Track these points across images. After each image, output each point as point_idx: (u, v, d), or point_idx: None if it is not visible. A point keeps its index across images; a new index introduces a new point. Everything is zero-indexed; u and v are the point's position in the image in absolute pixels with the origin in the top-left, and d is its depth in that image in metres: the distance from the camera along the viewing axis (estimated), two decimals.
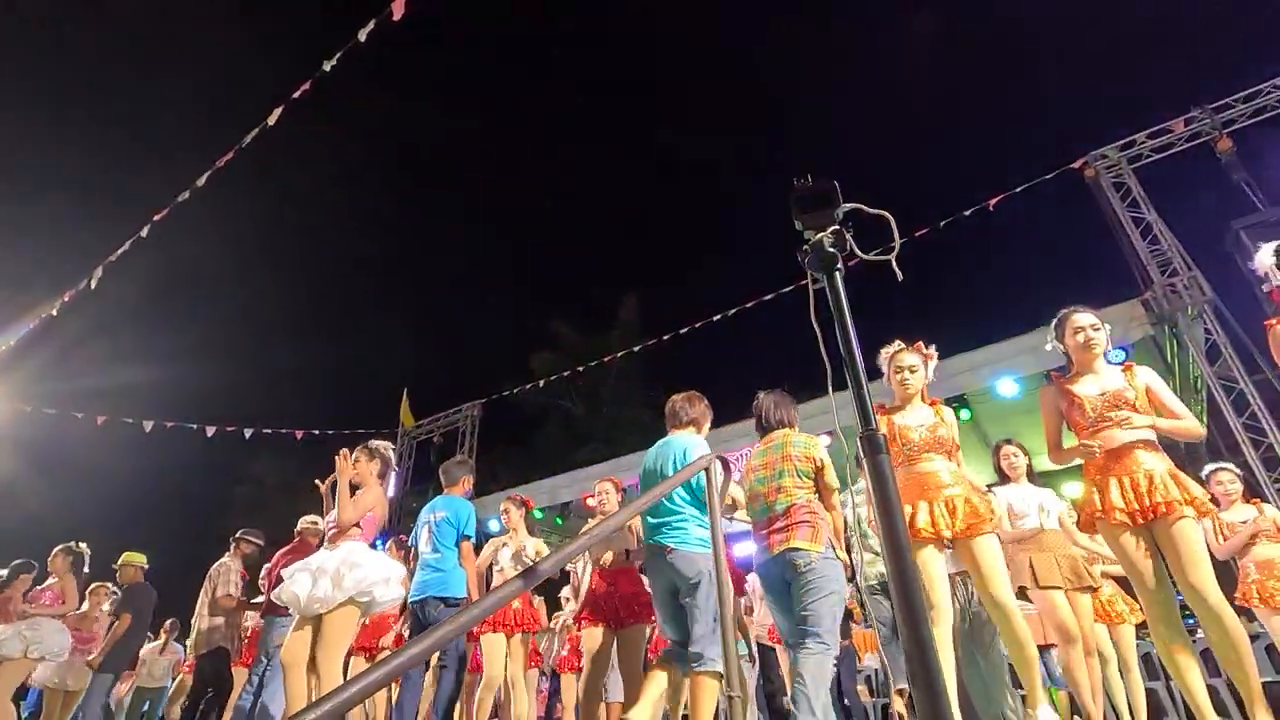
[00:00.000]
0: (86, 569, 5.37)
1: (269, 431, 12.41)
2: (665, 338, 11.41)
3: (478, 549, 4.40)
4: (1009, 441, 4.24)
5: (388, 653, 5.13)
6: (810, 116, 35.43)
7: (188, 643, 6.88)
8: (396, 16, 5.11)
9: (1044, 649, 4.98)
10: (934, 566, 2.85)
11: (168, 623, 7.37)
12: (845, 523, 3.39)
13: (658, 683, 2.99)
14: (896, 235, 1.20)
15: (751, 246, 35.27)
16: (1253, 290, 6.95)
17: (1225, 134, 7.91)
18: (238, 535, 5.39)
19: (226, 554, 5.25)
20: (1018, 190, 8.69)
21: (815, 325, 1.22)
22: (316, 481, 3.90)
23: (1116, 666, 4.02)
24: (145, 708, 7.16)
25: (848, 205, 1.17)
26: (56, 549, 5.28)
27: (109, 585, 5.92)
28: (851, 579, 3.25)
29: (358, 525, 3.45)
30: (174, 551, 6.01)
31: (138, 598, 5.53)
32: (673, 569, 3.02)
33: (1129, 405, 2.68)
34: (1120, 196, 8.24)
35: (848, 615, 6.84)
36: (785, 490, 3.04)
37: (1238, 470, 4.16)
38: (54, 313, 7.09)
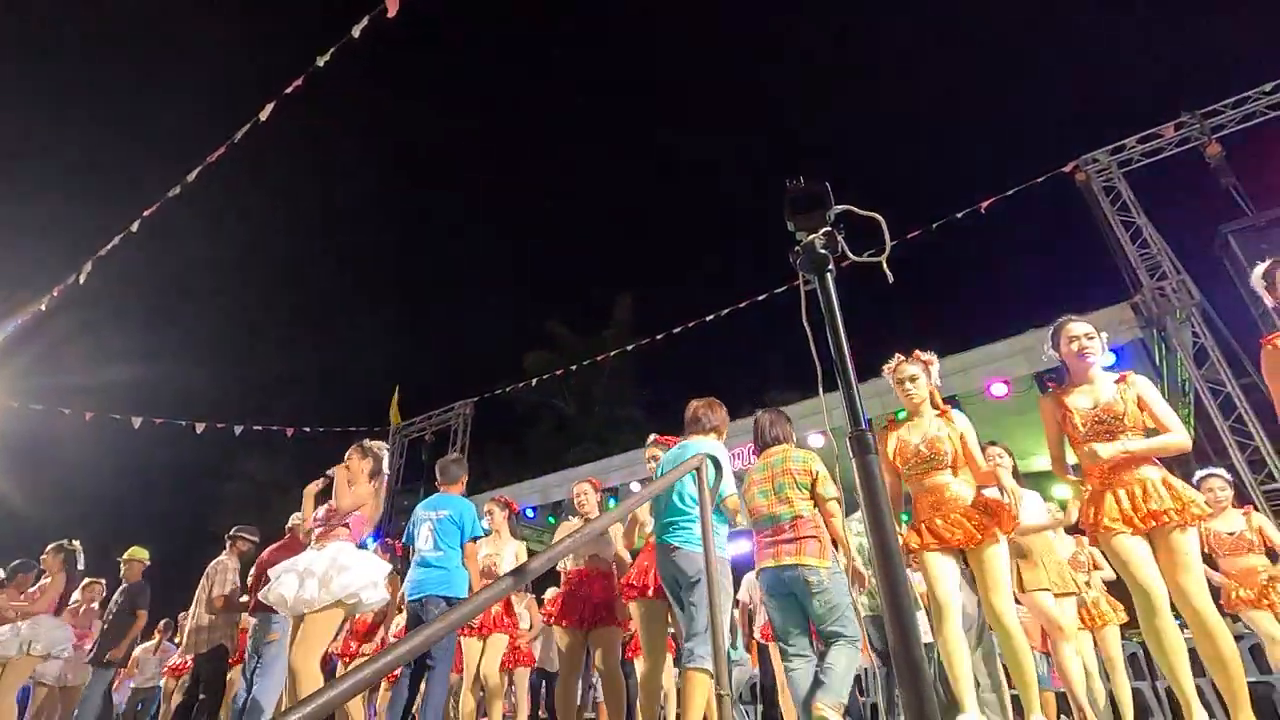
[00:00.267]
0: (80, 566, 5.33)
1: (259, 429, 12.37)
2: (659, 337, 11.43)
3: None
4: (993, 443, 4.25)
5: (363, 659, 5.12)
6: (805, 118, 35.56)
7: (177, 640, 6.86)
8: (391, 13, 5.08)
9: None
10: (937, 568, 2.90)
11: (161, 622, 7.32)
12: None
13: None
14: (888, 237, 1.20)
15: (745, 247, 35.40)
16: (1240, 295, 7.02)
17: (1214, 139, 7.99)
18: (233, 533, 5.35)
19: (223, 552, 5.21)
20: (1009, 193, 8.74)
21: (806, 326, 1.23)
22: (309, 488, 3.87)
23: (1096, 671, 4.08)
24: (139, 708, 7.12)
25: (839, 207, 1.18)
26: (49, 546, 5.24)
27: (101, 582, 5.88)
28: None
29: (346, 525, 3.42)
30: (163, 549, 5.95)
31: (145, 594, 5.56)
32: (675, 566, 3.13)
33: (1117, 418, 2.71)
34: (1110, 200, 8.31)
35: None
36: (789, 502, 3.18)
37: (1228, 477, 4.17)
38: (43, 308, 7.04)
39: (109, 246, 6.36)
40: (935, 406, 3.23)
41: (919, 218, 9.00)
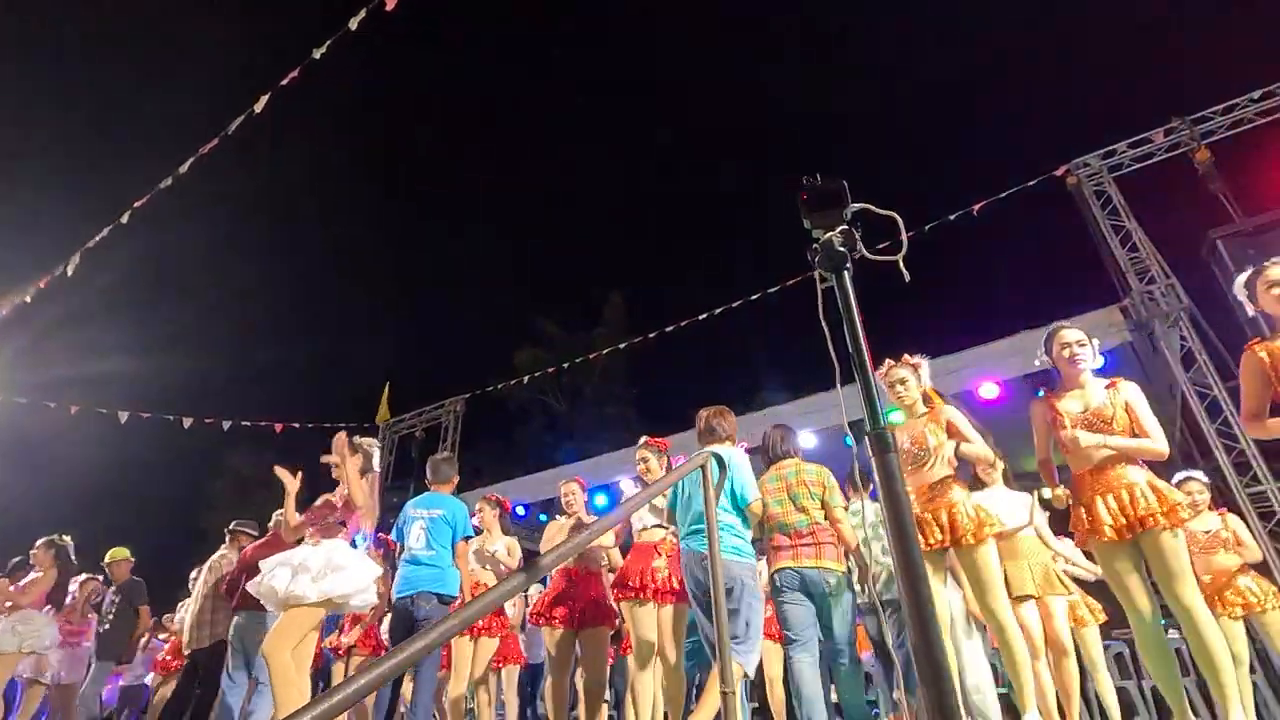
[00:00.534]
0: (72, 560, 5.27)
1: (248, 424, 12.23)
2: (651, 336, 11.42)
3: None
4: None
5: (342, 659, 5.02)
6: (799, 119, 35.62)
7: (163, 637, 6.79)
8: (390, 5, 5.05)
9: None
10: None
11: (151, 620, 7.24)
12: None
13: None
14: (904, 235, 1.21)
15: (737, 247, 35.46)
16: (1228, 299, 7.10)
17: (1203, 145, 8.07)
18: (232, 527, 5.29)
19: (223, 545, 5.16)
20: (1002, 196, 8.80)
21: (824, 324, 1.23)
22: (280, 472, 3.72)
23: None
24: (125, 710, 7.04)
25: (856, 205, 1.18)
26: (40, 541, 5.17)
27: (99, 578, 5.80)
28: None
29: (343, 523, 3.40)
30: (149, 545, 5.89)
31: (142, 591, 5.59)
32: (705, 572, 3.19)
33: (1106, 422, 2.78)
34: (1101, 204, 8.38)
35: None
36: (805, 510, 3.45)
37: (1206, 480, 4.25)
38: (28, 299, 6.94)
39: (98, 238, 6.28)
40: (928, 406, 3.32)
41: (912, 219, 9.02)
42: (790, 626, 3.32)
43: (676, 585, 3.60)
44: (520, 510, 11.22)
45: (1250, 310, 2.85)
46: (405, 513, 4.14)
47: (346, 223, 36.85)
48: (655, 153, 39.44)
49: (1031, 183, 8.75)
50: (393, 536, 4.21)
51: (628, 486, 9.65)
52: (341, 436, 3.59)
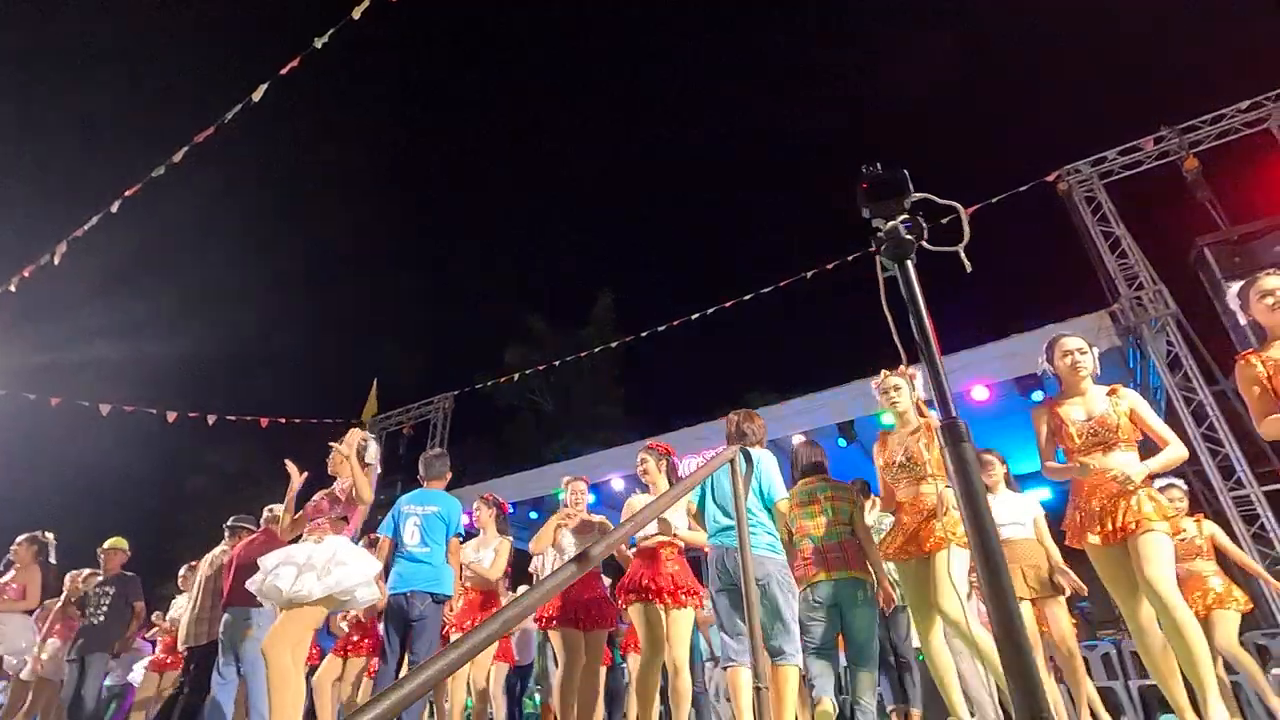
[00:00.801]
0: (52, 559, 5.14)
1: (232, 419, 12.05)
2: (643, 335, 11.42)
3: None
4: (987, 450, 4.29)
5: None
6: (792, 121, 35.83)
7: (148, 636, 6.66)
8: None
9: None
10: (913, 576, 3.17)
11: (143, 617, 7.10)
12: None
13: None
14: (966, 226, 1.20)
15: (728, 246, 35.53)
16: (1214, 305, 7.24)
17: (1192, 153, 8.21)
18: (231, 523, 5.20)
19: (223, 541, 5.07)
20: (993, 201, 8.88)
21: (887, 313, 1.22)
22: (290, 467, 3.69)
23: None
24: (110, 707, 6.90)
25: (918, 194, 1.18)
26: (21, 538, 5.04)
27: (99, 574, 5.67)
28: None
29: (345, 519, 3.35)
30: (132, 540, 5.75)
31: (137, 586, 5.49)
32: (737, 566, 3.19)
33: (1111, 430, 2.83)
34: (1091, 210, 8.50)
35: None
36: (834, 524, 3.50)
37: (1184, 487, 4.34)
38: (11, 288, 6.78)
39: (87, 226, 6.15)
40: (921, 418, 3.34)
41: None
42: (813, 637, 3.37)
43: (686, 587, 3.62)
44: (510, 507, 11.15)
45: (1243, 319, 2.91)
46: (398, 509, 4.07)
47: (336, 218, 36.46)
48: (646, 152, 39.40)
49: (1023, 188, 8.85)
50: (384, 532, 4.12)
51: (617, 485, 9.64)
52: (356, 431, 3.55)
